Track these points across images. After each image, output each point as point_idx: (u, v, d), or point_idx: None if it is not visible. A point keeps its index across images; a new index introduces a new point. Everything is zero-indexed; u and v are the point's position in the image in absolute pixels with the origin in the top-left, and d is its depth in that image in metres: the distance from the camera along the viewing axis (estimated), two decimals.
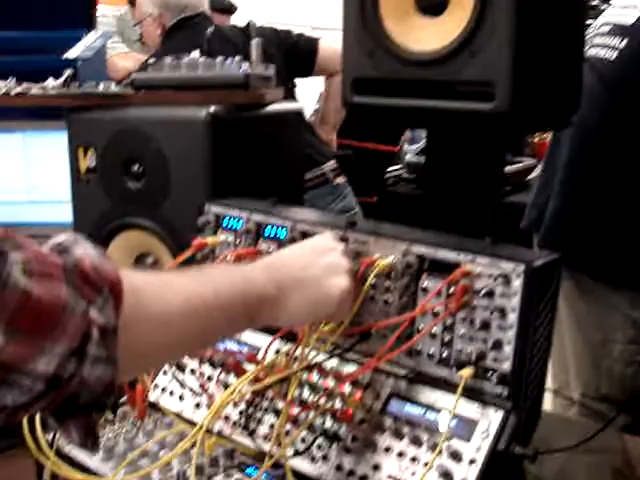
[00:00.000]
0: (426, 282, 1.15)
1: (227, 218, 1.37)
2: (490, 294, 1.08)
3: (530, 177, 3.59)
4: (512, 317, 1.07)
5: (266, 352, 1.21)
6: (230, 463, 1.18)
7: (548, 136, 2.79)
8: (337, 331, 1.13)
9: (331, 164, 2.78)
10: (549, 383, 1.26)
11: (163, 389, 1.36)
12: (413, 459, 1.10)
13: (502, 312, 1.08)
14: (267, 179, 1.53)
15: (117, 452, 1.17)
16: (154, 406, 1.33)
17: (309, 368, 1.15)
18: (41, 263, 0.68)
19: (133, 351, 0.77)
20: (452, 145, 1.42)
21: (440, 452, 1.07)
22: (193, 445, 1.13)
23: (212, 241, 1.34)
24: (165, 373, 1.37)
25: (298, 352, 1.16)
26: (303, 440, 1.18)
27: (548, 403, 1.90)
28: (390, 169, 3.77)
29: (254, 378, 1.18)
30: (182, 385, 1.33)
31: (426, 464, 1.08)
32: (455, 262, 1.12)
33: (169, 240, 1.47)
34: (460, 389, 1.07)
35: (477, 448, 1.07)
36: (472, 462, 1.06)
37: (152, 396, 1.34)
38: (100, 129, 1.55)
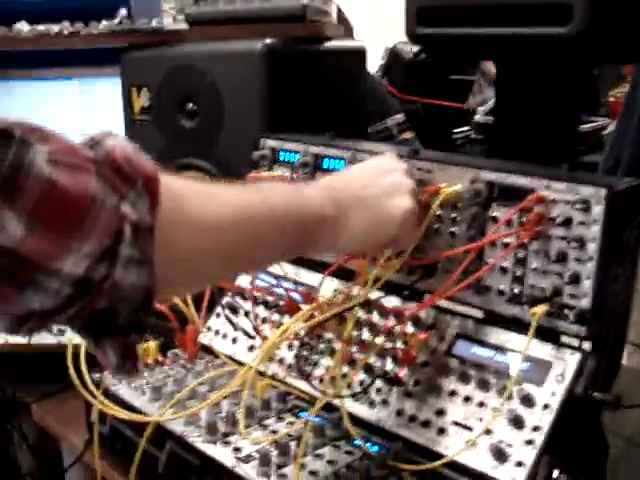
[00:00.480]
0: (496, 211, 1.03)
1: (283, 152, 1.28)
2: (567, 222, 0.96)
3: (605, 133, 3.38)
4: (592, 248, 0.95)
5: (320, 287, 1.12)
6: (283, 406, 1.09)
7: (623, 95, 2.60)
8: (399, 260, 1.02)
9: (397, 118, 2.66)
10: (630, 335, 1.13)
11: (216, 332, 1.29)
12: (480, 404, 1.00)
13: (580, 242, 0.95)
14: (325, 116, 1.43)
15: (165, 392, 1.11)
16: (206, 349, 1.25)
17: (367, 304, 1.05)
18: (69, 154, 0.60)
19: (171, 255, 0.67)
20: (523, 77, 1.29)
21: (510, 397, 0.96)
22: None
23: (268, 175, 1.25)
24: (218, 316, 1.30)
25: (356, 290, 1.07)
26: (361, 383, 1.09)
27: (628, 358, 1.75)
28: (458, 130, 3.60)
29: (309, 317, 1.09)
30: (235, 327, 1.26)
31: (495, 409, 0.97)
32: (528, 188, 1.00)
33: (224, 178, 1.39)
34: (533, 328, 0.96)
35: (551, 393, 0.96)
36: (546, 407, 0.95)
37: (204, 339, 1.27)
38: (154, 67, 1.48)
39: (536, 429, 0.94)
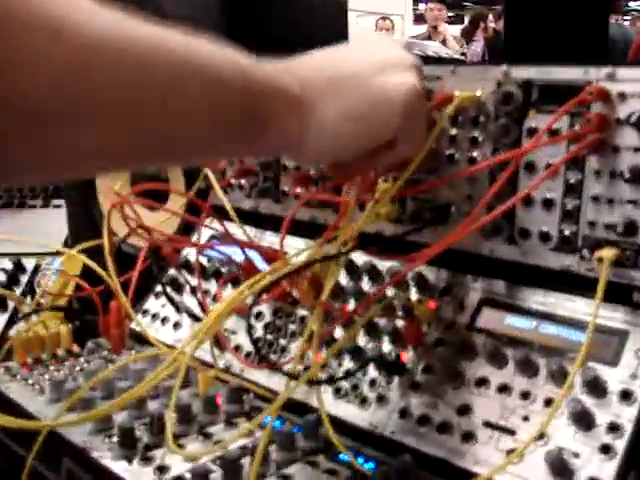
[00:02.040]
0: (535, 121, 0.70)
1: None
2: None
3: None
4: None
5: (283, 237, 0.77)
6: (236, 409, 0.74)
7: None
8: (395, 186, 0.68)
9: None
10: None
11: (153, 316, 0.94)
12: (524, 395, 0.65)
13: None
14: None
15: (69, 391, 0.74)
16: (140, 340, 0.90)
17: (353, 250, 0.70)
18: None
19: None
20: None
21: (571, 385, 0.61)
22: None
23: None
24: (157, 296, 0.95)
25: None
26: (347, 373, 0.73)
27: None
28: None
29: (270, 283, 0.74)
30: (178, 308, 0.90)
31: (548, 402, 0.63)
32: (583, 83, 0.66)
33: None
34: (603, 280, 0.61)
35: (631, 375, 0.62)
36: (625, 397, 0.61)
37: (138, 326, 0.91)
38: None
39: (613, 429, 0.60)
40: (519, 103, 0.71)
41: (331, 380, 0.72)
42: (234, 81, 0.50)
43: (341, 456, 0.66)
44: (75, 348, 0.88)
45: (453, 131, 0.75)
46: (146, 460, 0.64)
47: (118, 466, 0.63)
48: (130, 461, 0.64)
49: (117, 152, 0.44)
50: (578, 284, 0.68)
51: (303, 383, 0.65)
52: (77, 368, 0.82)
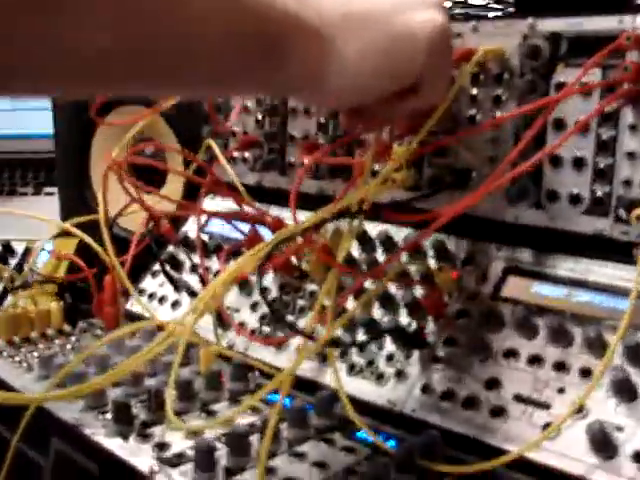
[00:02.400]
0: (564, 75, 0.64)
1: None
2: None
3: None
4: None
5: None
6: (241, 386, 0.67)
7: None
8: (418, 136, 0.61)
9: None
10: None
11: (151, 295, 0.87)
12: (558, 366, 0.59)
13: None
14: None
15: (55, 365, 0.67)
16: (135, 320, 0.83)
17: (367, 212, 0.64)
18: None
19: None
20: None
21: (612, 354, 0.55)
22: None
23: None
24: (154, 275, 0.89)
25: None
26: (361, 346, 0.67)
27: None
28: None
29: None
30: (177, 286, 0.84)
31: (585, 372, 0.57)
32: (617, 33, 0.61)
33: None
34: None
35: None
36: None
37: (134, 306, 0.85)
38: None
39: None
40: (546, 57, 0.66)
41: (352, 344, 0.66)
42: (250, 3, 0.44)
43: (358, 434, 0.60)
44: (66, 327, 0.81)
45: (474, 91, 0.70)
46: (144, 437, 0.58)
47: (113, 443, 0.57)
48: (126, 438, 0.58)
49: (120, 60, 0.39)
50: (612, 249, 0.63)
51: (319, 348, 0.59)
52: (68, 347, 0.75)
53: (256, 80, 0.50)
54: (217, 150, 0.85)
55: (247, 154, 0.89)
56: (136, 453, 0.56)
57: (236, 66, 0.46)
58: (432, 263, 0.70)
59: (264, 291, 0.74)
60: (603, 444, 0.53)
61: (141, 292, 0.88)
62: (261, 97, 0.86)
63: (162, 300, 0.85)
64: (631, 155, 0.61)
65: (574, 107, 0.64)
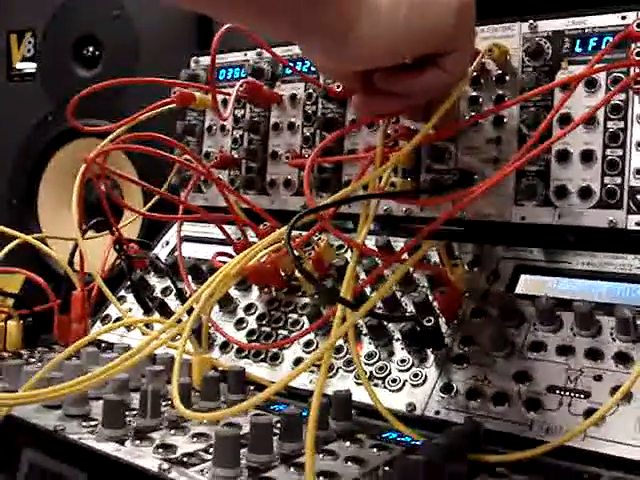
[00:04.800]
0: (568, 72, 0.63)
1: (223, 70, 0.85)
2: None
3: None
4: None
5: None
6: (238, 398, 0.58)
7: None
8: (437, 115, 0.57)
9: None
10: None
11: (116, 321, 0.77)
12: (592, 353, 0.54)
13: None
14: None
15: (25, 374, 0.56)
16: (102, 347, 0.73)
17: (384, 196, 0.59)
18: None
19: None
20: None
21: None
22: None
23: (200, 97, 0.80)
24: (120, 300, 0.79)
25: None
26: (369, 356, 0.61)
27: None
28: None
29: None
30: (148, 306, 0.75)
31: (621, 357, 0.52)
32: (622, 27, 0.61)
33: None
34: None
35: None
36: None
37: (98, 334, 0.75)
38: (39, 5, 1.04)
39: None
40: (549, 56, 0.65)
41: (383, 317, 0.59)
42: None
43: (387, 435, 0.52)
44: (22, 350, 0.69)
45: (472, 91, 0.67)
46: (141, 440, 0.48)
47: (107, 447, 0.47)
48: (122, 443, 0.48)
49: None
50: (627, 241, 0.60)
51: (361, 315, 0.50)
52: (28, 368, 0.64)
53: (296, 12, 0.45)
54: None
55: (222, 174, 0.83)
56: (138, 455, 0.46)
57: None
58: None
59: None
60: None
61: (105, 318, 0.78)
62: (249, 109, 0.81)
63: (129, 327, 0.75)
64: None
65: (579, 103, 0.62)
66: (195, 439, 0.49)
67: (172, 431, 0.50)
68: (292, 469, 0.44)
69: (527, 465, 0.47)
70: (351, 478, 0.43)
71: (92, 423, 0.51)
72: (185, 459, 0.45)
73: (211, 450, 0.45)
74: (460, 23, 0.52)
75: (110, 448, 0.46)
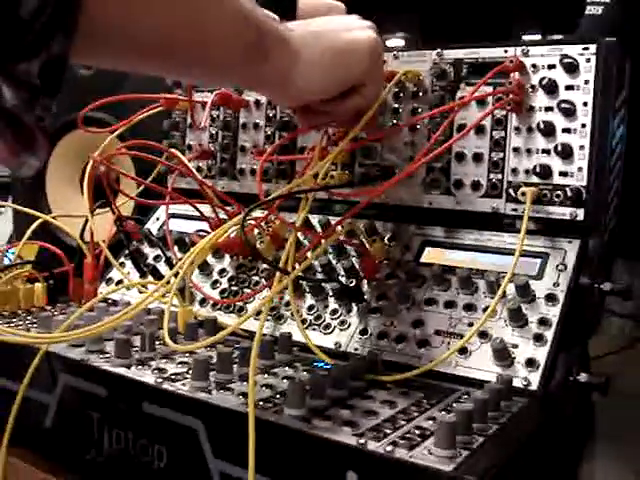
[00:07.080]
0: (465, 91, 0.83)
1: None
2: (551, 87, 0.77)
3: None
4: (582, 113, 0.77)
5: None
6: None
7: None
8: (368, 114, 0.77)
9: None
10: None
11: (118, 283, 0.98)
12: (468, 307, 0.76)
13: (568, 110, 0.77)
14: None
15: (55, 322, 0.77)
16: (108, 303, 0.94)
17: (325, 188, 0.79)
18: None
19: None
20: None
21: (504, 294, 0.72)
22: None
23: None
24: (122, 265, 1.00)
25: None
26: (310, 308, 0.82)
27: None
28: None
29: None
30: (143, 270, 0.96)
31: (486, 309, 0.73)
32: (503, 59, 0.81)
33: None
34: (527, 209, 0.75)
35: (554, 284, 0.74)
36: (550, 300, 0.73)
37: (103, 292, 0.96)
38: None
39: (543, 323, 0.71)
40: (451, 79, 0.85)
41: (315, 280, 0.81)
42: (252, 18, 0.60)
43: (317, 363, 0.73)
44: (46, 306, 0.91)
45: (395, 104, 0.88)
46: (142, 365, 0.70)
47: (119, 370, 0.68)
48: (129, 367, 0.69)
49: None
50: (504, 222, 0.81)
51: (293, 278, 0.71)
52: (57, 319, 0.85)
53: (240, 72, 0.65)
54: (182, 157, 0.97)
55: (201, 164, 1.04)
56: (140, 375, 0.67)
57: (229, 57, 0.61)
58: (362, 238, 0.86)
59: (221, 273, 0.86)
60: (502, 356, 0.70)
61: (109, 280, 0.99)
62: (218, 111, 1.01)
63: (129, 288, 0.97)
64: (516, 150, 0.80)
65: (474, 116, 0.82)
66: (180, 365, 0.69)
67: (164, 360, 0.71)
68: (244, 383, 0.66)
69: (411, 383, 0.69)
70: (281, 388, 0.65)
71: (107, 355, 0.71)
72: (173, 377, 0.66)
73: (190, 371, 0.66)
74: (372, 61, 0.71)
75: (121, 371, 0.68)
